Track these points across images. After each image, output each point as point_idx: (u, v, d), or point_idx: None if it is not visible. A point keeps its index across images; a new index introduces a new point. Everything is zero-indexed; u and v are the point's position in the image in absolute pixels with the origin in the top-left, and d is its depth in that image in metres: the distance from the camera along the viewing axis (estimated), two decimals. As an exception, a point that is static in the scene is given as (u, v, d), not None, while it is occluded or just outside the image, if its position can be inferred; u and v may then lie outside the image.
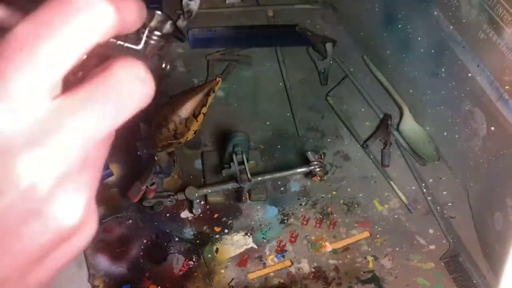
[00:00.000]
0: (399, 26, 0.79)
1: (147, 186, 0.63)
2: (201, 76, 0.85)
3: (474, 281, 0.68)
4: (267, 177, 0.70)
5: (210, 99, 0.59)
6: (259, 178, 0.69)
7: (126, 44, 0.29)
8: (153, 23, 0.32)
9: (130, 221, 0.68)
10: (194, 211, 0.68)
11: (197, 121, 0.59)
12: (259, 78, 0.86)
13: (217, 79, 0.59)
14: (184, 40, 0.88)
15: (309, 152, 0.69)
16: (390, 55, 0.83)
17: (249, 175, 0.66)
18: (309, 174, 0.71)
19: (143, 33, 0.31)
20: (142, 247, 0.66)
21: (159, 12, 0.33)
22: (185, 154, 0.75)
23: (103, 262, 0.64)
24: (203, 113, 0.59)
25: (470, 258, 0.70)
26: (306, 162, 0.70)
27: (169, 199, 0.66)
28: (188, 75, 0.84)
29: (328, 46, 0.88)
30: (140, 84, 0.23)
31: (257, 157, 0.75)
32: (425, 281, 0.68)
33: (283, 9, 0.96)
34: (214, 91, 0.59)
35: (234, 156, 0.67)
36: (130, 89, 0.23)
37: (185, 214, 0.69)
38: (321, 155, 0.70)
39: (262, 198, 0.71)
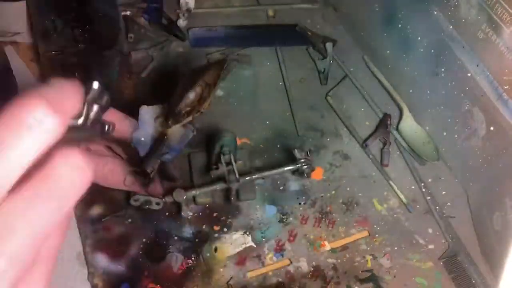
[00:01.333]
0: (399, 26, 0.79)
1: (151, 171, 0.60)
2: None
3: (473, 281, 0.69)
4: (255, 176, 0.69)
5: (222, 74, 0.62)
6: (247, 178, 0.68)
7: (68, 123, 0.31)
8: (90, 97, 0.34)
9: (129, 220, 0.68)
10: (182, 214, 0.68)
11: (215, 90, 0.61)
12: (259, 77, 0.87)
13: (225, 58, 0.62)
14: (184, 39, 0.89)
15: (295, 150, 0.69)
16: (390, 55, 0.83)
17: (237, 175, 0.66)
18: (296, 172, 0.70)
19: (82, 108, 0.33)
20: (141, 245, 0.67)
21: (95, 86, 0.35)
22: (184, 154, 0.75)
23: (102, 260, 0.65)
24: (218, 85, 0.62)
25: (469, 258, 0.70)
26: (294, 160, 0.70)
27: (156, 201, 0.65)
28: (188, 75, 0.85)
29: (328, 45, 0.88)
30: (78, 173, 0.24)
31: (245, 156, 0.74)
32: (424, 280, 0.68)
33: (284, 8, 0.96)
34: (224, 67, 0.62)
35: (222, 157, 0.66)
36: (70, 179, 0.24)
37: (188, 213, 0.70)
38: (307, 152, 0.69)
39: (250, 198, 0.71)
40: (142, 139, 0.59)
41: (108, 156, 0.57)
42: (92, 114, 0.34)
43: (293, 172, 0.72)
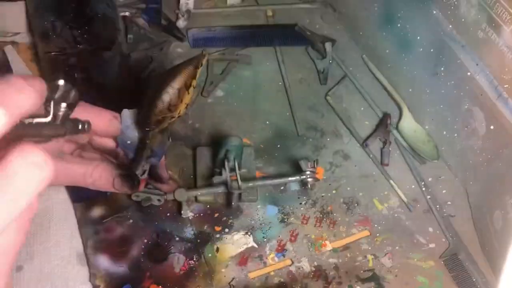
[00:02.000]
0: (398, 25, 0.80)
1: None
2: (201, 75, 0.85)
3: (474, 280, 0.69)
4: (258, 183, 0.69)
5: (199, 72, 0.58)
6: (250, 184, 0.68)
7: (35, 120, 0.32)
8: (57, 95, 0.35)
9: (131, 221, 0.68)
10: (182, 213, 0.67)
11: (188, 93, 0.57)
12: (259, 78, 0.87)
13: (203, 53, 0.58)
14: (184, 40, 0.89)
15: (302, 161, 0.68)
16: (389, 54, 0.83)
17: (239, 183, 0.65)
18: (300, 183, 0.70)
19: (49, 106, 0.34)
20: (143, 246, 0.66)
21: (61, 83, 0.35)
22: (185, 154, 0.75)
23: (104, 261, 0.65)
24: (193, 86, 0.57)
25: (469, 256, 0.71)
26: (299, 169, 0.69)
27: (158, 197, 0.65)
28: (188, 75, 0.85)
29: (328, 45, 0.89)
30: (36, 169, 0.24)
31: (247, 157, 0.74)
32: (425, 279, 0.68)
33: (283, 8, 0.96)
34: (201, 64, 0.58)
35: (226, 163, 0.66)
36: (26, 176, 0.24)
37: (188, 213, 0.70)
38: (314, 163, 0.69)
39: (252, 200, 0.71)
40: (128, 142, 0.58)
41: (96, 160, 0.57)
42: (60, 112, 0.35)
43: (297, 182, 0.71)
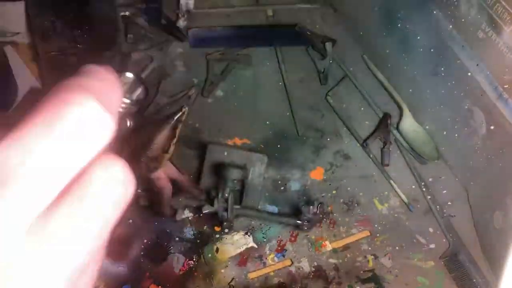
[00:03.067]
0: (399, 25, 0.79)
1: None
2: (201, 75, 0.85)
3: (474, 280, 0.69)
4: (249, 212, 0.69)
5: (178, 131, 0.55)
6: (241, 219, 0.67)
7: None
8: (124, 90, 0.30)
9: (131, 221, 0.68)
10: (177, 217, 0.67)
11: (168, 153, 0.56)
12: (259, 78, 0.87)
13: (182, 109, 0.56)
14: (184, 40, 0.89)
15: (303, 206, 0.66)
16: (389, 54, 0.83)
17: (229, 215, 0.64)
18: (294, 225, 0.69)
19: None
20: (143, 247, 0.66)
21: (130, 76, 0.30)
22: (185, 154, 0.75)
23: (104, 262, 0.64)
24: (173, 144, 0.56)
25: (470, 257, 0.70)
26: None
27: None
28: (188, 75, 0.85)
29: (328, 45, 0.88)
30: (121, 187, 0.20)
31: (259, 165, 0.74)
32: (425, 280, 0.68)
33: (283, 8, 0.96)
34: (181, 122, 0.55)
35: (220, 191, 0.64)
36: (110, 196, 0.20)
37: (185, 214, 0.70)
38: (317, 207, 0.66)
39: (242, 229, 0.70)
40: None
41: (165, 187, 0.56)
42: (121, 110, 0.30)
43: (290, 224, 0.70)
